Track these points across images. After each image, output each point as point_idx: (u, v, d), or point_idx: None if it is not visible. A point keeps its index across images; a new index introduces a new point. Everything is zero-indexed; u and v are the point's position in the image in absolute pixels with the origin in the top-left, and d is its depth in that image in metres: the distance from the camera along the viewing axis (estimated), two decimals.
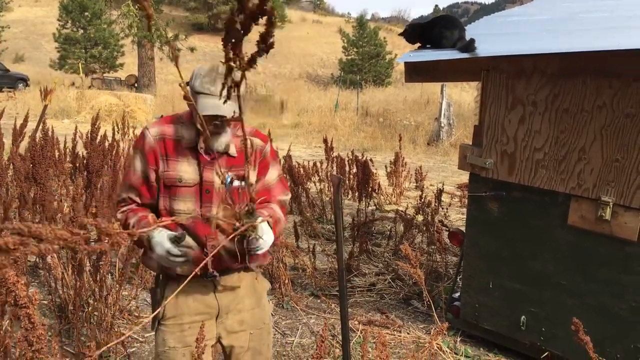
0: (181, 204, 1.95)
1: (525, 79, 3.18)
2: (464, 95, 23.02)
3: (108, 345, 1.29)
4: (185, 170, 1.93)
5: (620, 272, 3.07)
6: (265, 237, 1.87)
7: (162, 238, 1.82)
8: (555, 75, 3.07)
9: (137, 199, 2.00)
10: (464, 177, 8.80)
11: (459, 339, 3.83)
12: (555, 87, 3.08)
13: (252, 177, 2.02)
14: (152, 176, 1.95)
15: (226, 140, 1.91)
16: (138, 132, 9.05)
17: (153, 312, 2.09)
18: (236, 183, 1.97)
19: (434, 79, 4.02)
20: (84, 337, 3.39)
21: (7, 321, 2.59)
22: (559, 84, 3.06)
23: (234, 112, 1.78)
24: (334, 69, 36.89)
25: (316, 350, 1.38)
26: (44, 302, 3.85)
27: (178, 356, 2.03)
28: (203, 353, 1.46)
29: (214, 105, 1.78)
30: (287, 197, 2.16)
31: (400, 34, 3.61)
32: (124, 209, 2.01)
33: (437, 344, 3.66)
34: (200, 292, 2.02)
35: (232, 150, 1.96)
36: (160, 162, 1.94)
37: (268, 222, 1.94)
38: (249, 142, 1.97)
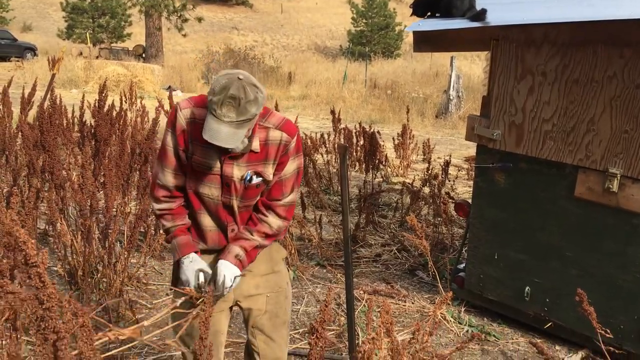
0: (206, 188, 1.99)
1: (535, 48, 3.14)
2: (473, 67, 22.78)
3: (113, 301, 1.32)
4: (212, 157, 1.93)
5: (626, 244, 3.07)
6: (227, 277, 1.95)
7: (191, 271, 1.97)
8: (566, 45, 3.03)
9: (177, 183, 2.02)
10: (472, 150, 8.76)
11: (463, 309, 3.87)
12: (565, 57, 3.04)
13: (271, 174, 2.01)
14: (183, 156, 1.97)
15: (242, 146, 1.88)
16: (145, 102, 9.06)
17: (174, 277, 2.15)
18: (255, 180, 1.98)
19: (442, 49, 3.98)
20: (93, 303, 3.45)
21: (18, 285, 2.64)
22: (569, 54, 3.03)
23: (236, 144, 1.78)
24: (343, 40, 36.51)
25: (320, 314, 1.40)
26: (54, 268, 3.92)
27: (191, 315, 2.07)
28: (210, 316, 1.49)
29: (213, 131, 1.74)
30: (292, 195, 2.10)
31: (412, 15, 3.56)
32: (164, 207, 2.04)
33: (442, 313, 3.70)
34: (218, 255, 2.08)
35: (255, 146, 1.94)
36: (189, 144, 1.95)
37: (239, 257, 2.00)
38: (272, 134, 1.96)
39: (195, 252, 2.03)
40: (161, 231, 2.15)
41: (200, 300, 1.94)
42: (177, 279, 2.10)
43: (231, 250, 2.02)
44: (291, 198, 2.10)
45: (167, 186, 2.02)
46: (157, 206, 2.05)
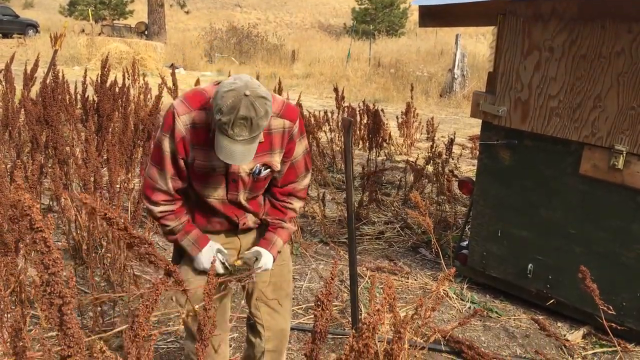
0: (211, 190, 1.97)
1: (542, 23, 3.10)
2: (478, 46, 22.55)
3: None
4: (216, 158, 1.86)
5: (631, 221, 3.06)
6: (262, 268, 2.03)
7: (212, 254, 1.99)
8: (574, 19, 2.99)
9: (176, 186, 1.96)
10: (476, 129, 8.73)
11: (465, 286, 3.89)
12: (573, 32, 3.01)
13: (278, 162, 1.99)
14: (182, 163, 1.91)
15: None
16: (148, 79, 9.00)
17: (174, 254, 2.16)
18: (264, 172, 1.96)
19: (448, 24, 3.93)
20: (97, 278, 3.47)
21: (22, 259, 2.65)
22: (577, 29, 2.99)
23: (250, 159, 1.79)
24: (347, 18, 36.17)
25: (325, 287, 1.40)
26: (59, 243, 3.93)
27: (193, 286, 2.07)
28: (214, 287, 1.49)
29: (228, 151, 1.72)
30: (308, 177, 2.15)
31: None
32: (165, 209, 1.97)
33: (444, 290, 3.72)
34: (224, 233, 2.11)
35: (260, 136, 1.90)
36: (190, 150, 1.89)
37: (280, 251, 2.10)
38: (274, 122, 1.92)
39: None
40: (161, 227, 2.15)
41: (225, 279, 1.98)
42: (177, 251, 2.11)
43: (275, 243, 2.08)
44: (308, 179, 2.15)
45: (167, 191, 1.96)
46: (156, 209, 1.97)
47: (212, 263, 1.87)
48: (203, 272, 2.03)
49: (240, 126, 1.68)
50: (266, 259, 2.02)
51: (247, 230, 2.13)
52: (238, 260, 2.02)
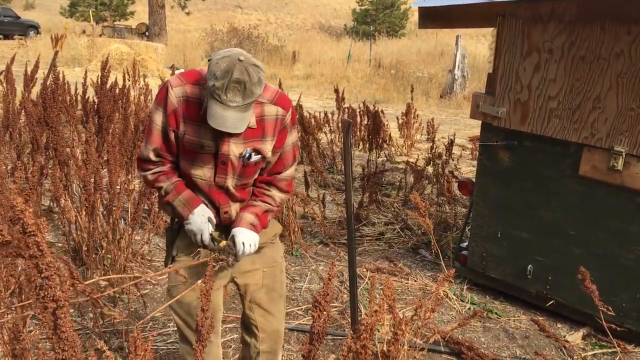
0: (198, 169, 1.95)
1: (542, 24, 3.10)
2: (479, 47, 22.56)
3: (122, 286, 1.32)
4: (206, 135, 1.88)
5: (630, 222, 3.06)
6: (245, 244, 1.94)
7: (205, 221, 1.93)
8: (573, 21, 2.99)
9: (168, 157, 1.98)
10: (476, 130, 8.72)
11: (465, 287, 3.88)
12: (572, 34, 3.01)
13: (269, 150, 1.97)
14: (172, 135, 1.92)
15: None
16: (149, 80, 9.02)
17: (167, 251, 2.14)
18: (254, 157, 1.94)
19: (448, 25, 3.94)
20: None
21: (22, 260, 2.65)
22: (577, 30, 2.99)
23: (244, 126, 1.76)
24: (347, 19, 36.19)
25: (323, 288, 1.40)
26: (59, 244, 3.94)
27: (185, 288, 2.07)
28: (211, 288, 1.49)
29: (220, 117, 1.71)
30: (293, 168, 2.11)
31: None
32: (156, 170, 1.99)
33: (444, 291, 3.72)
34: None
35: (252, 122, 1.89)
36: (181, 124, 1.89)
37: (252, 223, 2.00)
38: (267, 109, 1.92)
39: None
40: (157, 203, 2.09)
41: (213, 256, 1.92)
42: (171, 245, 2.09)
43: (243, 218, 2.00)
44: (291, 171, 2.10)
45: (150, 159, 1.97)
46: (148, 173, 2.00)
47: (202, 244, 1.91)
48: (196, 276, 2.02)
49: (233, 90, 1.68)
50: (240, 235, 1.94)
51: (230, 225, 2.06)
52: (223, 242, 1.96)
